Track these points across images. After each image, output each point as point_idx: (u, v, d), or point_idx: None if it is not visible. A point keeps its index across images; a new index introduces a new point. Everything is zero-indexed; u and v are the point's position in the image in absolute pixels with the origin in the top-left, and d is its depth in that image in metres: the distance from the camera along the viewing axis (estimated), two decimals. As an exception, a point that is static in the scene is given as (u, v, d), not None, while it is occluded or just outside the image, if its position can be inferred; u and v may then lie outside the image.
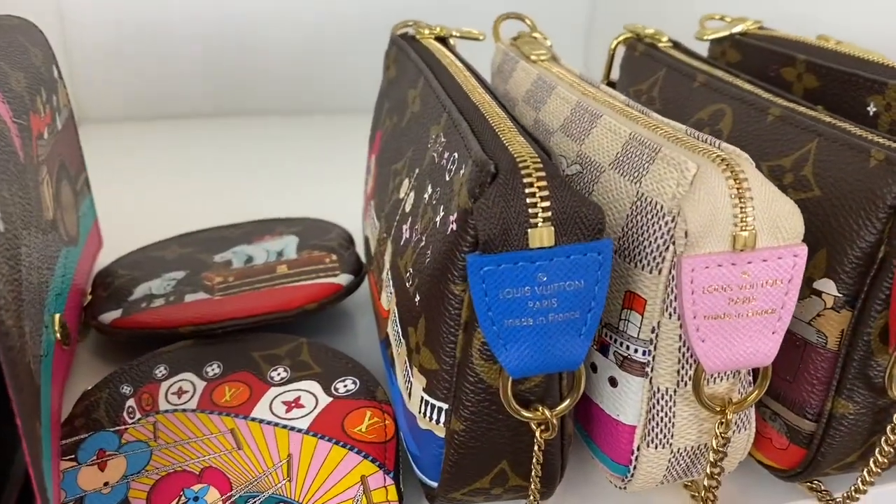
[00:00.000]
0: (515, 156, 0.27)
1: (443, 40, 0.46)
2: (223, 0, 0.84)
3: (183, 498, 0.31)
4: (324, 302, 0.42)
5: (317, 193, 0.67)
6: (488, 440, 0.30)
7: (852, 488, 0.35)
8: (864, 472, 0.34)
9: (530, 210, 0.26)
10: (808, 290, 0.32)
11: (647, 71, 0.46)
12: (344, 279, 0.44)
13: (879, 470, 0.33)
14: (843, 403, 0.32)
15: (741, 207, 0.28)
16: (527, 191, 0.26)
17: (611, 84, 0.51)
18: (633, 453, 0.32)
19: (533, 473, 0.30)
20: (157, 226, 0.57)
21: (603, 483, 0.37)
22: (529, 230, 0.26)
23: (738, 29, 0.47)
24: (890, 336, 0.30)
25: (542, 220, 0.26)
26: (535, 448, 0.29)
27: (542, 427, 0.29)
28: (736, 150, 0.30)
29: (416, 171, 0.36)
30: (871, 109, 0.38)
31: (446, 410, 0.30)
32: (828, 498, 0.36)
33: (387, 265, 0.37)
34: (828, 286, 0.32)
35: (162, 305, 0.42)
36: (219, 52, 0.87)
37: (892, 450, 0.33)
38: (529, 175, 0.26)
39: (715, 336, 0.29)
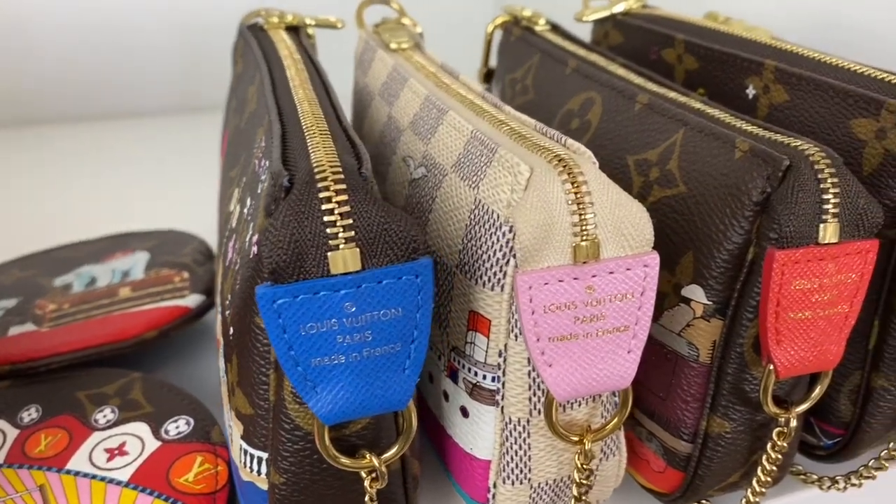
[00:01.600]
0: (314, 165, 0.23)
1: (295, 29, 0.41)
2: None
3: (-30, 575, 0.27)
4: (166, 328, 0.38)
5: (185, 199, 0.62)
6: (314, 493, 0.26)
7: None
8: (749, 493, 0.31)
9: (329, 230, 0.22)
10: (676, 297, 0.29)
11: (523, 57, 0.43)
12: (193, 300, 0.39)
13: (763, 490, 0.30)
14: (719, 421, 0.29)
15: (580, 214, 0.24)
16: (324, 207, 0.22)
17: (489, 72, 0.47)
18: (489, 490, 0.29)
19: (369, 527, 0.27)
20: (24, 244, 0.52)
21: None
22: (330, 253, 0.22)
23: (619, 8, 0.44)
24: (761, 346, 0.27)
25: (343, 240, 0.22)
26: (367, 499, 0.26)
27: (373, 476, 0.25)
28: (581, 149, 0.26)
29: (244, 179, 0.32)
30: (751, 92, 0.35)
31: (266, 460, 0.26)
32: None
33: (218, 287, 0.33)
34: (696, 293, 0.28)
35: (-20, 341, 0.37)
36: (91, 50, 0.81)
37: (774, 468, 0.30)
38: (327, 188, 0.22)
39: (563, 359, 0.25)
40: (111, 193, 0.65)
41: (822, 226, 0.26)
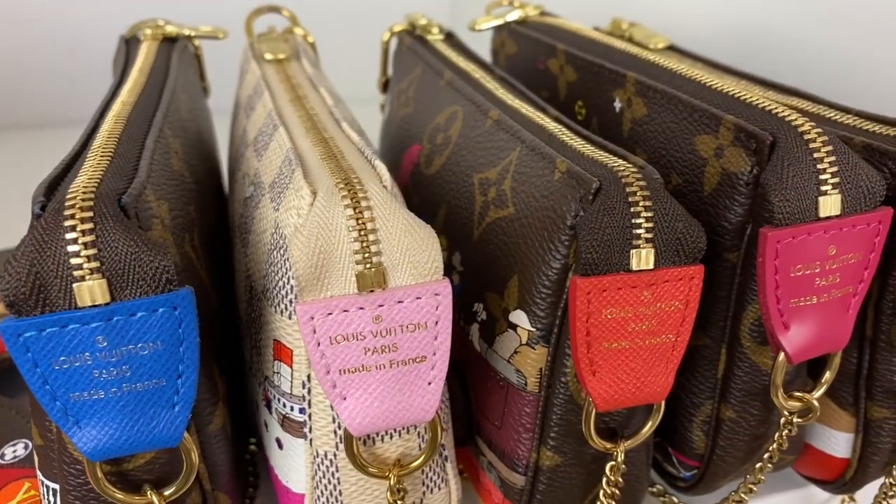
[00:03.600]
0: (70, 190, 0.22)
1: (172, 40, 0.40)
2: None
3: None
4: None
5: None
6: (102, 528, 0.25)
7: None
8: (591, 529, 0.30)
9: (73, 260, 0.21)
10: (504, 323, 0.28)
11: (409, 68, 0.41)
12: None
13: (605, 526, 0.29)
14: (550, 455, 0.28)
15: (362, 242, 0.23)
16: (68, 236, 0.21)
17: (387, 82, 0.46)
18: (305, 526, 0.27)
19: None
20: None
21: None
22: (75, 284, 0.21)
23: (512, 17, 0.43)
24: (578, 378, 0.26)
25: (89, 271, 0.21)
26: (155, 536, 0.25)
27: (156, 512, 0.24)
28: (377, 171, 0.25)
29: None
30: (617, 105, 0.34)
31: (59, 493, 0.25)
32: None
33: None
34: (521, 319, 0.27)
35: None
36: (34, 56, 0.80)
37: (613, 502, 0.28)
38: (73, 216, 0.21)
39: (357, 392, 0.24)
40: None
41: (633, 251, 0.24)
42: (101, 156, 0.24)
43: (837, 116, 0.30)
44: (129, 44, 0.39)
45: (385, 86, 0.45)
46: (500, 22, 0.43)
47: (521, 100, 0.33)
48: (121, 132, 0.26)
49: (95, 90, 0.79)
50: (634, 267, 0.24)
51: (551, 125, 0.29)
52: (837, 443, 0.32)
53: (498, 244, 0.29)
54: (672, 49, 0.41)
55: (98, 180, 0.22)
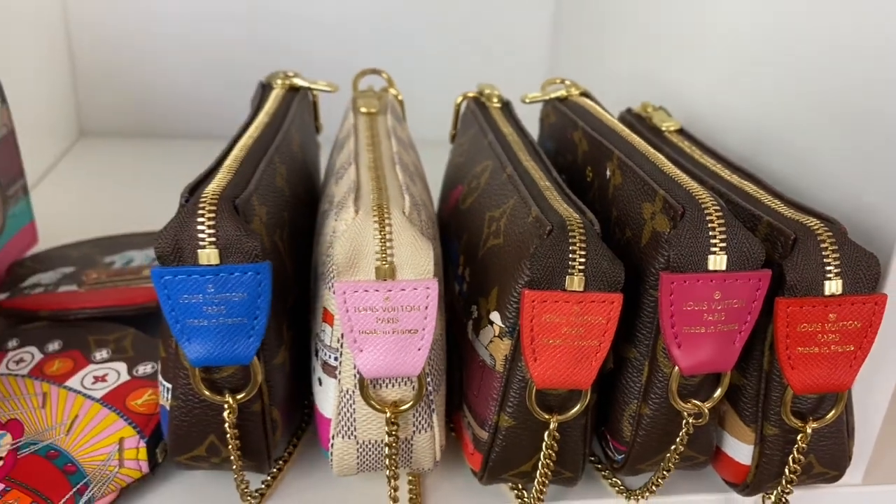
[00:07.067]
0: (202, 194, 0.35)
1: (296, 89, 0.54)
2: (212, 33, 0.95)
3: (-16, 439, 0.41)
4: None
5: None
6: (196, 416, 0.38)
7: (535, 491, 0.40)
8: (536, 483, 0.40)
9: (200, 235, 0.34)
10: (486, 320, 0.39)
11: (469, 126, 0.53)
12: (190, 284, 0.52)
13: (545, 479, 0.39)
14: (507, 419, 0.38)
15: (382, 246, 0.35)
16: (198, 220, 0.34)
17: (454, 135, 0.58)
18: (330, 441, 0.39)
19: (231, 447, 0.38)
20: (111, 230, 0.67)
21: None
22: (199, 251, 0.34)
23: (556, 95, 0.54)
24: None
25: (208, 243, 0.34)
26: (227, 426, 0.37)
27: (230, 410, 0.37)
28: (409, 201, 0.37)
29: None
30: (608, 173, 0.44)
31: (171, 390, 0.38)
32: (523, 498, 0.42)
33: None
34: (496, 318, 0.38)
35: (39, 293, 0.52)
36: (205, 78, 0.97)
37: (550, 462, 0.39)
38: (203, 209, 0.34)
39: (370, 347, 0.36)
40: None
41: (567, 277, 0.35)
42: (227, 172, 0.37)
43: (766, 199, 0.40)
44: (265, 88, 0.53)
45: (453, 138, 0.58)
46: (546, 98, 0.54)
47: (534, 161, 0.44)
48: (243, 157, 0.40)
49: (234, 111, 0.96)
50: (568, 287, 0.35)
51: (543, 183, 0.41)
52: (742, 452, 0.41)
53: (490, 264, 0.40)
54: (681, 132, 0.51)
55: (223, 188, 0.35)
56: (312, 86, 0.54)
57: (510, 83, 1.00)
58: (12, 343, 0.48)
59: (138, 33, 0.94)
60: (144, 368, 0.46)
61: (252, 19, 0.95)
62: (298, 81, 0.54)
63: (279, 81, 0.53)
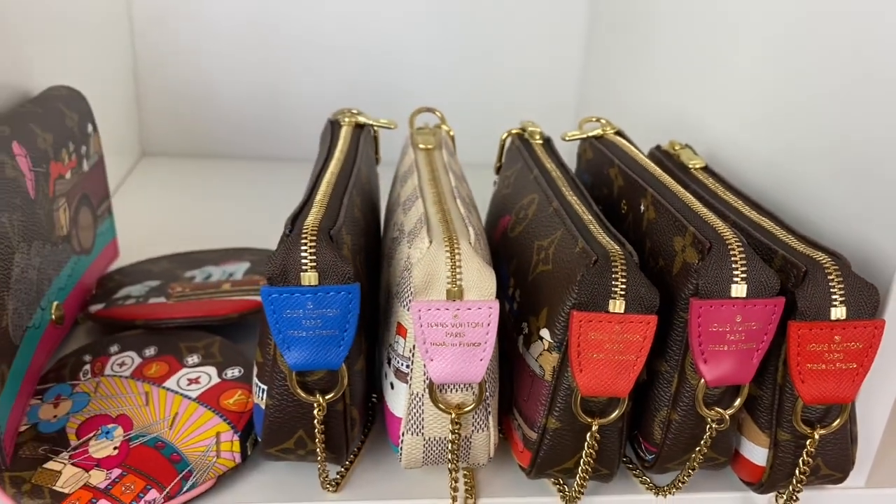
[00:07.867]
0: (304, 226, 0.41)
1: (361, 126, 0.60)
2: (269, 60, 1.03)
3: (99, 431, 0.47)
4: (245, 313, 0.57)
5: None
6: (289, 414, 0.44)
7: (575, 486, 0.46)
8: (577, 478, 0.46)
9: (303, 261, 0.40)
10: (536, 335, 0.45)
11: (514, 161, 0.60)
12: (265, 298, 0.59)
13: (585, 475, 0.45)
14: (554, 422, 0.44)
15: (452, 272, 0.41)
16: (301, 248, 0.40)
17: (500, 167, 0.64)
18: (400, 438, 0.45)
19: (317, 441, 0.44)
20: (179, 245, 0.74)
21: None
22: (301, 273, 0.40)
23: (593, 133, 0.60)
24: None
25: (309, 268, 0.40)
26: (316, 422, 0.43)
27: (319, 408, 0.43)
28: (473, 232, 0.43)
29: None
30: (642, 208, 0.50)
31: (266, 391, 0.45)
32: (564, 492, 0.48)
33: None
34: (546, 334, 0.44)
35: (132, 304, 0.58)
36: (261, 102, 1.05)
37: (591, 460, 0.45)
38: (305, 239, 0.40)
39: (439, 357, 0.42)
40: (249, 217, 0.87)
41: (611, 300, 0.41)
42: (320, 206, 0.44)
43: (781, 234, 0.46)
44: (334, 125, 0.60)
45: (498, 170, 0.64)
46: (584, 136, 0.60)
47: (576, 196, 0.50)
48: (330, 192, 0.46)
49: (281, 134, 1.03)
50: (611, 310, 0.41)
51: (586, 217, 0.47)
52: (758, 454, 0.46)
53: (540, 287, 0.46)
54: (706, 169, 0.57)
55: (319, 220, 0.42)
56: (375, 123, 0.61)
57: (540, 112, 1.07)
58: (114, 348, 0.54)
59: (192, 70, 1.01)
60: (233, 372, 0.52)
61: (303, 51, 1.02)
62: (362, 119, 0.60)
63: (346, 119, 0.60)
